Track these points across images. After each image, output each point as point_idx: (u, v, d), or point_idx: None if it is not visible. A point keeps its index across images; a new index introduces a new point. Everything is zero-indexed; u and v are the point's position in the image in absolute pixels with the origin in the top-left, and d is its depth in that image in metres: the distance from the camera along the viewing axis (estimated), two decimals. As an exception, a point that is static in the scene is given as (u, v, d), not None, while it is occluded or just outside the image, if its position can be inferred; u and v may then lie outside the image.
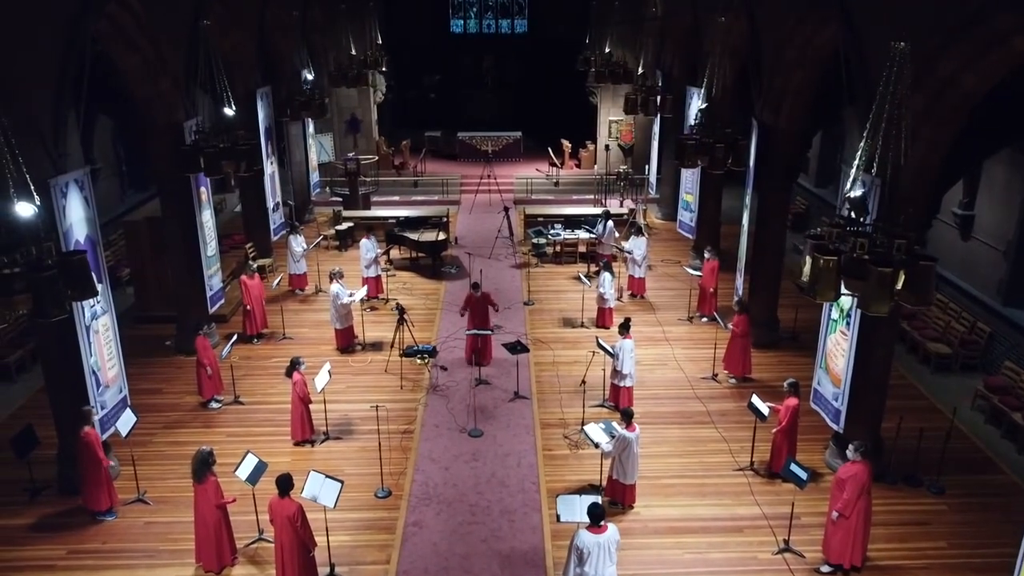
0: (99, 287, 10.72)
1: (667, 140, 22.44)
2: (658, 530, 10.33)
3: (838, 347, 11.04)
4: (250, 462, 9.75)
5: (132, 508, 10.72)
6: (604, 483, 10.81)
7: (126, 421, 10.72)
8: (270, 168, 18.94)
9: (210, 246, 14.85)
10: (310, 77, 18.70)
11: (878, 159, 6.57)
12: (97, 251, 10.69)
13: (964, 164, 12.53)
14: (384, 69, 23.83)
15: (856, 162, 6.29)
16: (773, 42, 13.46)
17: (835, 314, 11.10)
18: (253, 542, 9.98)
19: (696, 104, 18.84)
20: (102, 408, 10.80)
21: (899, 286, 5.82)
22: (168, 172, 13.50)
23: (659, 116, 22.12)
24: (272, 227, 19.28)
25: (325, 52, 22.98)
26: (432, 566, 9.67)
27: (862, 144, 6.36)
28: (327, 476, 9.27)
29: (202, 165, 10.47)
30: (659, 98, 14.74)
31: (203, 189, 14.43)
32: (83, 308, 10.28)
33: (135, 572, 9.58)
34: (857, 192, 6.16)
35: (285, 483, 8.72)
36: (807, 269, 6.20)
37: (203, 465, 9.21)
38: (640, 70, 17.17)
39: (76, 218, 10.12)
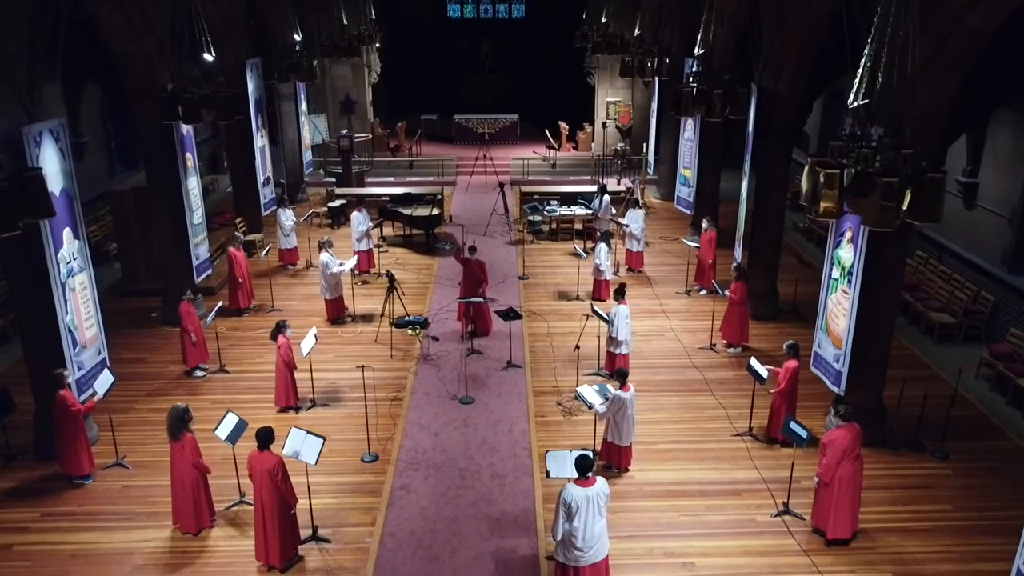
0: (76, 243, 10.44)
1: (665, 118, 22.10)
2: (653, 493, 9.99)
3: (839, 307, 10.69)
4: (230, 421, 9.42)
5: (110, 472, 10.38)
6: (599, 446, 10.46)
7: (104, 381, 10.37)
8: (260, 142, 18.59)
9: (196, 214, 14.50)
10: (298, 38, 18.18)
11: (880, 85, 6.19)
12: (74, 205, 10.35)
13: (967, 118, 12.19)
14: (378, 45, 23.49)
15: (861, 70, 5.92)
16: (773, 3, 13.10)
17: (836, 273, 10.76)
18: (234, 505, 9.64)
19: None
20: (79, 369, 10.45)
21: (905, 206, 5.48)
22: (152, 136, 13.16)
23: (656, 88, 21.83)
24: (262, 202, 18.91)
25: (319, 30, 22.62)
26: (419, 528, 9.33)
27: (867, 50, 5.97)
28: (309, 432, 8.93)
29: (181, 113, 10.13)
30: (656, 60, 14.25)
31: (189, 155, 14.09)
32: (59, 264, 9.95)
33: (111, 534, 9.24)
34: (860, 102, 5.81)
35: (265, 436, 8.36)
36: (806, 183, 5.84)
37: (179, 422, 8.87)
38: (636, 31, 16.61)
39: (51, 170, 9.76)
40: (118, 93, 14.59)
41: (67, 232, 10.14)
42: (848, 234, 10.32)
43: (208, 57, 10.77)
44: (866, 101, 5.88)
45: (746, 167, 15.00)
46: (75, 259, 10.34)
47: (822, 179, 5.56)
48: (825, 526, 9.03)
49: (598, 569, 8.02)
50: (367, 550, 8.96)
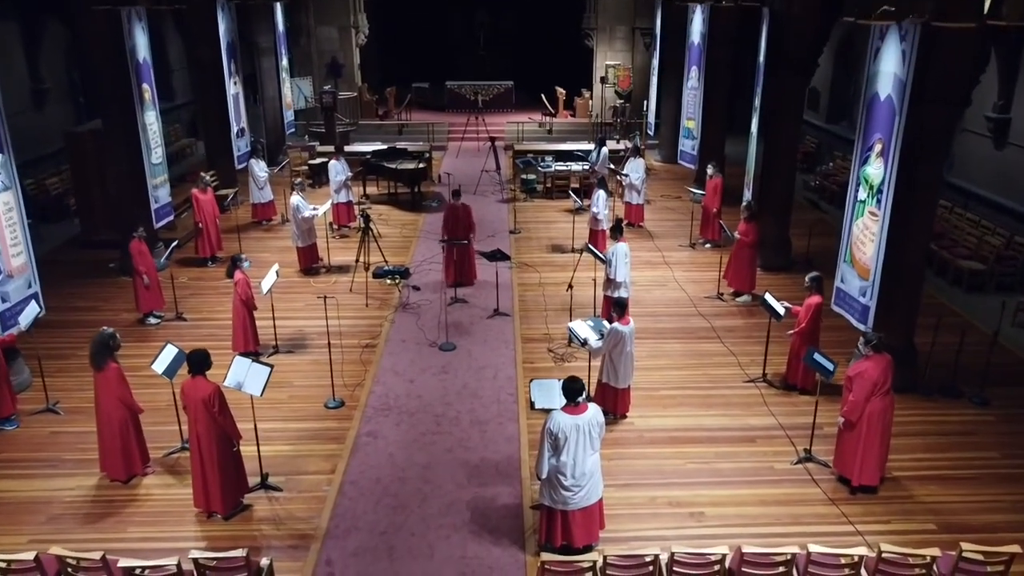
0: (1, 157, 9.21)
1: (666, 79, 20.95)
2: (656, 440, 8.76)
3: (866, 232, 9.44)
4: (168, 353, 8.20)
5: (39, 418, 9.16)
6: (592, 390, 9.21)
7: (29, 313, 9.15)
8: (233, 89, 17.37)
9: (155, 153, 13.28)
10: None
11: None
12: (-2, 118, 9.12)
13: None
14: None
15: None
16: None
17: (863, 194, 9.51)
18: (173, 452, 8.42)
19: (698, 20, 17.34)
20: (3, 301, 9.22)
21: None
22: (105, 64, 11.99)
23: (657, 46, 20.68)
24: (236, 155, 17.65)
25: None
26: (386, 476, 8.11)
27: None
28: (254, 360, 7.70)
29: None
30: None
31: (146, 86, 12.88)
32: (-24, 177, 8.74)
33: (30, 482, 8.02)
34: None
35: (199, 360, 7.16)
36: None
37: (103, 348, 7.63)
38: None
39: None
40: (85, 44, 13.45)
41: (-13, 143, 8.93)
42: (878, 147, 9.09)
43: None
44: None
45: (756, 101, 13.75)
46: (-2, 175, 9.11)
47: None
48: (850, 473, 7.82)
49: (590, 514, 6.79)
50: (324, 499, 7.74)
